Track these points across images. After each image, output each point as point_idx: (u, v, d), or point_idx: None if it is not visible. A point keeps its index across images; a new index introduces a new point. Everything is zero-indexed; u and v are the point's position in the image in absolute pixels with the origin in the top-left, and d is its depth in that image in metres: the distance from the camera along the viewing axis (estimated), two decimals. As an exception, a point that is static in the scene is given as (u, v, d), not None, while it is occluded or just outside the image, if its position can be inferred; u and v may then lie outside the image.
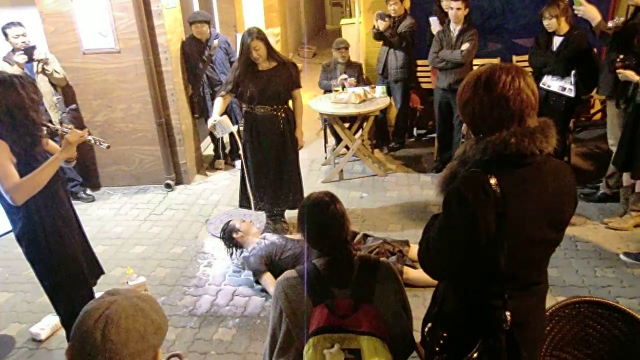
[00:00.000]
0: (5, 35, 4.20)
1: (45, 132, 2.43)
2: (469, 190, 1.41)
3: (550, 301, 2.03)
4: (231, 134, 3.91)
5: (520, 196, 1.43)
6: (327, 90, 5.42)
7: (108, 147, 2.67)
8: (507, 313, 1.48)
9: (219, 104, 3.74)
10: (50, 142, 2.54)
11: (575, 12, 3.82)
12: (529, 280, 1.55)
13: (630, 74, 3.49)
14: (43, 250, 2.45)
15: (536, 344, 1.67)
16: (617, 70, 3.53)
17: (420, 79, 5.83)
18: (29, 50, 4.21)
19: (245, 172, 3.87)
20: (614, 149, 4.05)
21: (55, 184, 2.48)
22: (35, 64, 4.28)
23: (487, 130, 1.46)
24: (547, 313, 1.88)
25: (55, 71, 4.39)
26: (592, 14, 3.74)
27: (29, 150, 2.35)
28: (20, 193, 2.24)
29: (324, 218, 1.81)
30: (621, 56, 3.52)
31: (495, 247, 1.42)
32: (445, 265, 1.56)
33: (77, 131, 2.43)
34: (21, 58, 4.17)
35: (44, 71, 4.34)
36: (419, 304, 3.07)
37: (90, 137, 2.55)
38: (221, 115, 3.73)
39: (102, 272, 2.88)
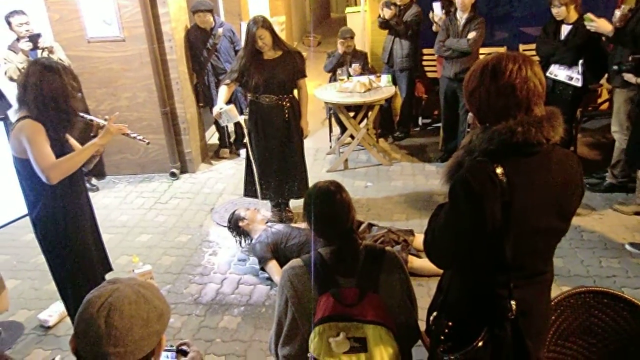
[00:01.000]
0: (9, 23, 4.19)
1: (79, 121, 2.48)
2: (475, 179, 1.41)
3: (555, 291, 2.03)
4: (237, 123, 3.90)
5: (527, 185, 1.42)
6: (332, 72, 5.38)
7: (148, 143, 2.73)
8: (513, 302, 1.49)
9: (223, 92, 3.73)
10: (70, 138, 2.56)
11: (588, 27, 3.80)
12: (534, 269, 1.55)
13: (629, 77, 3.55)
14: (60, 235, 2.49)
15: (541, 334, 1.67)
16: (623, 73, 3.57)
17: (426, 68, 5.79)
18: (33, 38, 4.20)
19: (252, 161, 3.87)
20: (616, 136, 4.04)
21: (80, 172, 2.55)
22: (39, 51, 4.27)
23: (493, 119, 1.45)
24: (552, 303, 1.89)
25: (60, 59, 4.39)
26: (605, 27, 3.72)
27: (62, 137, 2.42)
28: (57, 172, 2.30)
29: (330, 207, 1.81)
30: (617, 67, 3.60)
31: (501, 236, 1.43)
32: (451, 254, 1.56)
33: (116, 125, 2.51)
34: (26, 45, 4.16)
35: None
36: (424, 293, 3.08)
37: (129, 132, 2.60)
38: (226, 103, 3.73)
39: (110, 269, 2.90)
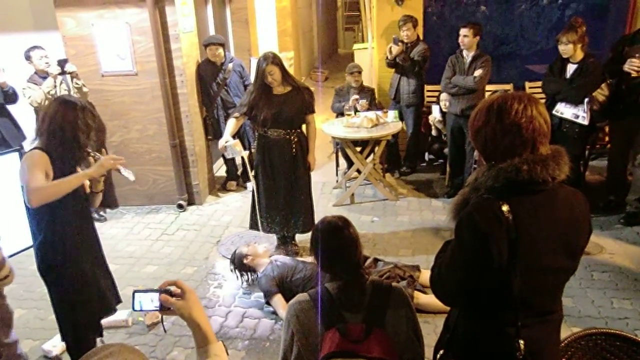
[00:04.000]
0: (29, 57, 4.35)
1: (85, 156, 2.51)
2: (481, 217, 1.42)
3: (565, 332, 1.99)
4: (243, 157, 3.95)
5: (533, 223, 1.43)
6: (340, 113, 5.47)
7: (133, 181, 2.69)
8: (521, 342, 1.47)
9: (231, 125, 3.79)
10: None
11: None
12: (543, 308, 1.54)
13: None
14: (58, 264, 2.48)
15: None
16: None
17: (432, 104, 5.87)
18: (61, 63, 4.35)
19: (256, 195, 3.89)
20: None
21: (85, 205, 2.57)
22: (64, 76, 4.37)
23: (499, 157, 1.48)
24: (563, 344, 1.85)
25: (84, 85, 4.52)
26: None
27: (70, 169, 2.43)
28: (38, 195, 2.29)
29: (338, 243, 1.81)
30: None
31: (507, 274, 1.42)
32: (457, 291, 1.56)
33: (112, 159, 2.49)
34: (55, 69, 4.31)
35: (73, 83, 4.45)
36: (430, 330, 3.03)
37: (121, 168, 2.58)
38: (233, 136, 3.78)
39: (118, 302, 2.86)
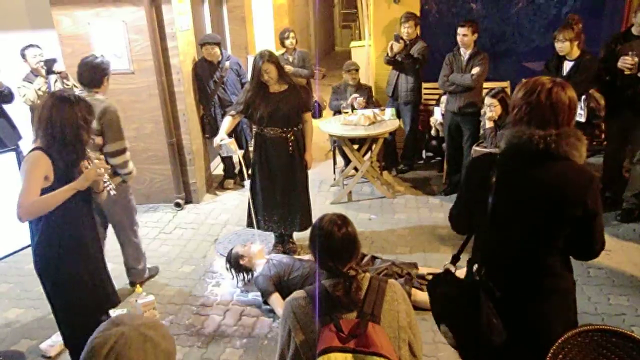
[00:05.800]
0: (24, 56, 4.33)
1: (86, 155, 2.49)
2: (477, 163, 1.97)
3: (562, 328, 1.99)
4: (245, 155, 3.95)
5: (518, 177, 1.77)
6: (337, 111, 5.47)
7: (113, 195, 2.64)
8: (475, 265, 1.89)
9: (227, 123, 3.79)
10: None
11: None
12: (508, 261, 1.86)
13: None
14: (54, 263, 2.47)
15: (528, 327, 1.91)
16: None
17: (429, 102, 5.87)
18: (49, 62, 4.32)
19: (252, 193, 3.89)
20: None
21: (87, 205, 2.56)
22: (54, 75, 4.33)
23: (510, 125, 1.87)
24: (559, 341, 1.86)
25: (75, 86, 4.49)
26: None
27: (71, 168, 2.42)
28: (28, 211, 2.30)
29: (336, 241, 1.81)
30: None
31: (485, 210, 1.81)
32: (462, 218, 2.03)
33: (97, 169, 2.46)
34: (42, 69, 4.28)
35: (63, 84, 4.42)
36: (428, 328, 3.02)
37: (106, 181, 2.56)
38: (229, 134, 3.77)
39: (113, 304, 2.85)
